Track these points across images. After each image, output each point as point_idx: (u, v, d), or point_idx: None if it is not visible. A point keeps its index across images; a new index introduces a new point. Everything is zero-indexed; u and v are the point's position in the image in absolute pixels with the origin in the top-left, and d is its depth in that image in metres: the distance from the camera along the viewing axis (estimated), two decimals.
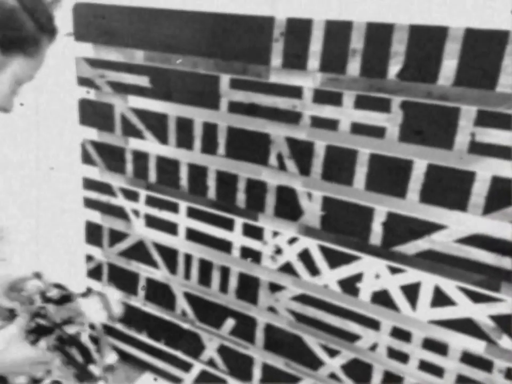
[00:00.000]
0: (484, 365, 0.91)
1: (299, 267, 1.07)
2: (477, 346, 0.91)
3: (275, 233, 1.08)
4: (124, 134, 1.22)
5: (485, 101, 0.79)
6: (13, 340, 0.70)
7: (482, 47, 0.77)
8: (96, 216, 1.35)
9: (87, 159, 1.30)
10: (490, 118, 0.79)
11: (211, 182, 1.13)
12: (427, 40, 0.81)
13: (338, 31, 0.88)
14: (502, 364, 0.89)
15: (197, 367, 1.32)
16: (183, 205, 1.19)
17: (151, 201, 1.24)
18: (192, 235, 1.20)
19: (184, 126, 1.12)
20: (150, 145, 1.19)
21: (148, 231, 1.27)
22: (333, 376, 1.10)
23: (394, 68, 0.85)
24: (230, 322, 1.22)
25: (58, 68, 1.25)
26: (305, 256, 1.05)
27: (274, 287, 1.12)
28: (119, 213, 1.30)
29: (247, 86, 1.01)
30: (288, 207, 1.04)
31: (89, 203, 1.35)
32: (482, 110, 0.79)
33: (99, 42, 1.18)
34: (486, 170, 0.81)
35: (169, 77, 1.10)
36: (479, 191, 0.83)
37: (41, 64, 0.70)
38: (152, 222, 1.26)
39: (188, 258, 1.23)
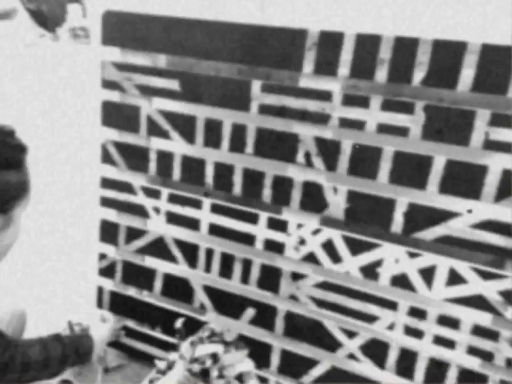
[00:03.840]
0: (492, 335, 1.01)
1: (321, 256, 1.13)
2: (485, 319, 1.01)
3: (299, 225, 1.14)
4: (148, 135, 1.24)
5: (497, 104, 0.90)
6: None
7: (495, 59, 0.89)
8: (112, 214, 1.35)
9: (107, 159, 1.31)
10: (502, 119, 0.90)
11: (237, 179, 1.18)
12: (448, 52, 0.91)
13: (368, 43, 0.97)
14: (507, 333, 1.00)
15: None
16: (206, 202, 1.23)
17: (173, 199, 1.26)
18: (215, 230, 1.24)
19: (213, 127, 1.16)
20: (176, 145, 1.22)
21: (168, 228, 1.29)
22: (351, 356, 1.16)
23: (418, 75, 0.95)
24: (249, 312, 1.25)
25: (82, 71, 1.25)
26: (328, 246, 1.12)
27: (296, 276, 1.18)
28: (138, 210, 1.31)
29: (279, 90, 1.07)
30: (314, 200, 1.11)
31: (106, 202, 1.34)
32: (495, 112, 0.91)
33: (127, 48, 1.20)
34: (497, 164, 0.92)
35: (200, 81, 1.15)
36: (491, 182, 0.93)
37: None
38: (173, 218, 1.28)
39: (209, 252, 1.26)
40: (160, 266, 1.33)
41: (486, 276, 0.99)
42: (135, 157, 1.28)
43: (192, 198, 1.24)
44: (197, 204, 1.24)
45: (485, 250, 0.97)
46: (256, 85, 1.10)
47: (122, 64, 1.22)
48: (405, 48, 0.94)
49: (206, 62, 1.13)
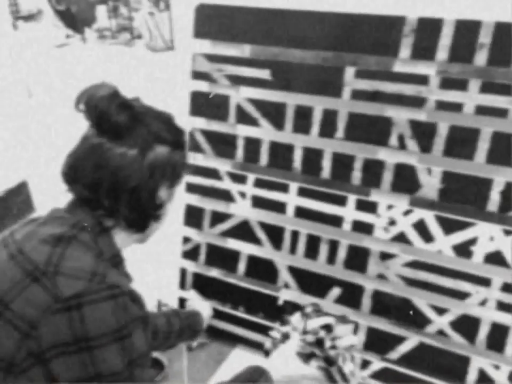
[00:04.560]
0: None
1: (413, 236, 1.16)
2: None
3: (389, 207, 1.17)
4: (237, 122, 1.28)
5: None
6: (290, 358, 0.83)
7: None
8: (197, 200, 1.40)
9: (194, 146, 1.35)
10: None
11: (326, 163, 1.21)
12: None
13: (467, 29, 0.99)
14: None
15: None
16: (293, 186, 1.27)
17: (260, 183, 1.30)
18: (301, 213, 1.28)
19: (303, 113, 1.20)
20: (264, 132, 1.26)
21: (253, 211, 1.33)
22: (440, 332, 1.19)
23: None
24: (335, 292, 1.29)
25: (173, 63, 1.30)
26: (420, 226, 1.15)
27: (385, 256, 1.21)
28: (223, 195, 1.36)
29: (373, 76, 1.10)
30: (406, 182, 1.14)
31: (191, 188, 1.39)
32: None
33: (219, 39, 1.24)
34: None
35: (292, 69, 1.18)
36: None
37: None
38: (259, 202, 1.32)
39: (295, 234, 1.30)
40: (244, 248, 1.38)
41: None
42: (222, 144, 1.32)
43: (278, 182, 1.28)
44: (283, 188, 1.28)
45: None
46: (349, 71, 1.13)
47: (213, 55, 1.26)
48: (505, 33, 0.96)
49: (298, 51, 1.17)
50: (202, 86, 1.30)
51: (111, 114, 0.64)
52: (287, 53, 1.18)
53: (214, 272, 1.44)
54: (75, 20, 1.56)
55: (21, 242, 0.64)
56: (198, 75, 1.29)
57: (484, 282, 1.12)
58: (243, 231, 1.37)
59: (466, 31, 0.99)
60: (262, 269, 1.38)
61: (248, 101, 1.25)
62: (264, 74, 1.22)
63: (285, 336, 0.92)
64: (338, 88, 1.15)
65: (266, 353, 0.95)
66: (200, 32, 1.26)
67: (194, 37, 1.26)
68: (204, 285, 1.47)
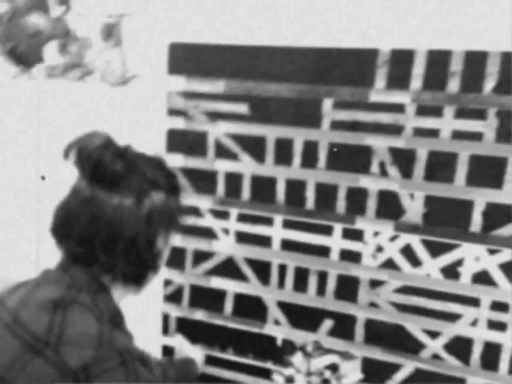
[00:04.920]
0: None
1: (400, 261, 1.16)
2: None
3: (375, 233, 1.17)
4: (216, 158, 1.26)
5: None
6: None
7: None
8: (178, 239, 1.35)
9: None
10: None
11: (310, 193, 1.20)
12: None
13: (439, 58, 1.03)
14: None
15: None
16: (278, 218, 1.25)
17: (243, 218, 1.27)
18: (288, 245, 1.25)
19: (284, 145, 1.20)
20: (245, 166, 1.24)
21: (238, 247, 1.30)
22: (435, 356, 1.18)
23: (489, 85, 1.01)
24: (327, 324, 1.26)
25: (147, 101, 1.27)
26: (407, 251, 1.15)
27: (375, 283, 1.20)
28: (205, 233, 1.32)
29: (351, 106, 1.12)
30: (389, 208, 1.14)
31: None
32: None
33: (193, 76, 1.23)
34: None
35: (270, 103, 1.18)
36: None
37: None
38: (243, 237, 1.29)
39: (282, 268, 1.27)
40: (230, 286, 1.33)
41: None
42: (202, 181, 1.29)
43: (262, 216, 1.26)
44: (268, 221, 1.26)
45: None
46: (327, 103, 1.14)
47: (188, 92, 1.25)
48: (475, 60, 1.01)
49: (273, 85, 1.17)
50: (179, 123, 1.28)
51: (107, 164, 0.61)
52: (262, 87, 1.19)
53: (199, 315, 1.38)
54: (22, 59, 1.50)
55: (16, 310, 0.57)
56: (174, 112, 1.27)
57: (473, 302, 1.13)
58: (228, 268, 1.32)
59: (438, 60, 1.04)
60: (250, 307, 1.33)
61: (227, 136, 1.24)
62: (242, 108, 1.21)
63: (289, 380, 0.87)
64: (317, 119, 1.16)
65: None
66: (173, 69, 1.24)
67: (168, 74, 1.25)
68: (188, 329, 1.40)
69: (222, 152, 1.25)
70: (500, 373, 1.13)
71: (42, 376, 0.51)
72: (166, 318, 1.42)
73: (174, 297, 1.39)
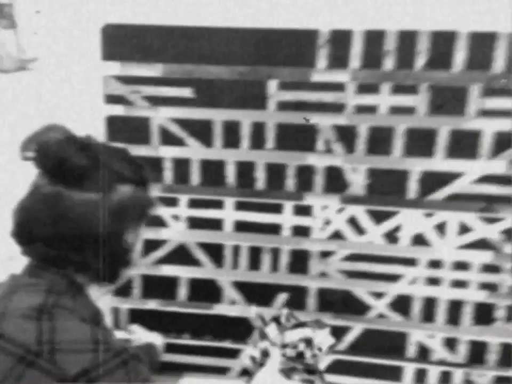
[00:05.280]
0: (495, 269, 1.20)
1: (347, 231, 1.23)
2: (489, 257, 1.20)
3: (323, 207, 1.22)
4: (162, 144, 1.22)
5: (485, 79, 1.09)
6: (275, 380, 0.81)
7: (481, 43, 1.06)
8: None
9: None
10: (491, 91, 1.09)
11: (260, 174, 1.22)
12: (443, 39, 1.07)
13: (374, 38, 1.09)
14: (507, 265, 1.20)
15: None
16: (229, 201, 1.25)
17: (193, 204, 1.26)
18: (240, 226, 1.26)
19: (231, 128, 1.19)
20: (193, 151, 1.22)
21: (190, 233, 1.28)
22: (381, 315, 1.28)
23: (420, 62, 1.09)
24: (281, 298, 1.30)
25: (83, 87, 1.19)
26: (352, 221, 1.22)
27: (325, 254, 1.26)
28: (155, 221, 1.28)
29: (294, 87, 1.15)
30: (336, 182, 1.20)
31: None
32: (487, 86, 1.09)
33: (132, 60, 1.17)
34: (491, 127, 1.11)
35: (214, 86, 1.17)
36: (486, 141, 1.12)
37: None
38: (194, 223, 1.27)
39: (236, 249, 1.28)
40: (183, 272, 1.32)
41: (487, 221, 1.17)
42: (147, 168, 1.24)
43: (213, 199, 1.25)
44: (219, 204, 1.25)
45: (485, 200, 1.16)
46: (272, 84, 1.15)
47: (127, 77, 1.18)
48: (407, 39, 1.08)
49: (216, 67, 1.16)
50: (118, 109, 1.21)
51: (71, 160, 0.57)
52: (202, 70, 1.17)
53: (152, 304, 1.35)
54: None
55: None
56: (112, 98, 1.20)
57: (412, 262, 1.23)
58: (180, 255, 1.30)
59: (374, 40, 1.09)
60: (205, 291, 1.32)
61: (172, 121, 1.20)
62: (186, 92, 1.18)
63: (265, 353, 0.89)
64: (263, 101, 1.17)
65: (246, 372, 0.92)
66: (109, 53, 1.17)
67: (103, 60, 1.17)
68: (141, 320, 1.36)
69: (167, 138, 1.22)
70: (437, 324, 1.26)
71: None
72: (116, 312, 1.36)
73: (123, 290, 1.34)
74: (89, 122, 1.22)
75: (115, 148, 0.66)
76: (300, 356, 0.88)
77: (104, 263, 0.61)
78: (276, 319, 0.94)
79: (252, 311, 1.15)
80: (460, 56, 1.08)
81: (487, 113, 1.10)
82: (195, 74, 1.17)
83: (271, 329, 0.92)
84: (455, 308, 1.25)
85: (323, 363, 0.93)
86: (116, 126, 1.22)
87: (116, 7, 1.13)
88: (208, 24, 1.13)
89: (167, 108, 1.19)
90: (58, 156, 0.56)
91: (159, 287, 1.33)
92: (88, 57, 1.12)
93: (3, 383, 0.48)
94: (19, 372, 0.48)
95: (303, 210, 1.23)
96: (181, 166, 1.23)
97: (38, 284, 0.57)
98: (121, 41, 1.16)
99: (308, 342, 0.88)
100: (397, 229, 1.22)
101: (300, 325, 0.92)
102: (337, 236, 1.24)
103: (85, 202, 0.58)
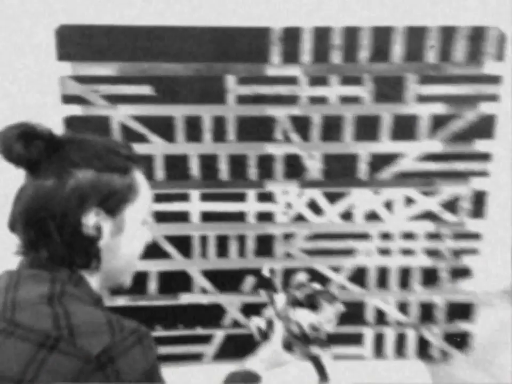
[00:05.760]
0: (438, 237, 1.35)
1: (307, 213, 1.32)
2: (433, 226, 1.34)
3: (284, 193, 1.30)
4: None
5: (421, 70, 1.21)
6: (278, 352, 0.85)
7: (415, 36, 1.19)
8: None
9: None
10: (427, 79, 1.22)
11: (223, 166, 1.27)
12: (383, 34, 1.18)
13: (322, 34, 1.18)
14: (448, 232, 1.35)
15: (219, 335, 1.41)
16: (194, 193, 1.29)
17: (159, 198, 1.28)
18: (207, 217, 1.31)
19: (193, 123, 1.23)
20: (155, 147, 1.24)
21: (157, 227, 1.30)
22: (341, 287, 1.39)
23: (363, 55, 1.20)
24: (249, 281, 1.37)
25: (41, 88, 1.16)
26: (311, 204, 1.31)
27: (288, 236, 1.34)
28: None
29: (252, 81, 1.20)
30: (294, 169, 1.28)
31: None
32: (422, 74, 1.21)
33: (88, 60, 1.17)
34: (426, 110, 1.24)
35: (174, 83, 1.20)
36: (423, 123, 1.25)
37: None
38: (161, 217, 1.30)
39: (204, 239, 1.33)
40: (152, 266, 1.34)
41: (428, 194, 1.32)
42: None
43: (179, 193, 1.28)
44: (185, 197, 1.29)
45: (426, 176, 1.30)
46: (230, 79, 1.20)
47: (84, 77, 1.18)
48: (352, 34, 1.18)
49: (172, 65, 1.19)
50: (76, 109, 1.20)
51: (17, 150, 0.59)
52: (158, 68, 1.19)
53: (121, 301, 1.36)
54: None
55: (5, 314, 0.53)
56: (70, 98, 1.19)
57: (366, 237, 1.35)
58: (149, 249, 1.31)
59: (322, 36, 1.18)
60: (175, 282, 1.36)
61: (133, 119, 1.22)
62: (146, 90, 1.20)
63: (270, 323, 0.89)
64: (222, 96, 1.21)
65: (254, 343, 0.91)
66: (64, 53, 1.15)
67: (58, 59, 1.16)
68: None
69: (129, 135, 1.23)
70: (391, 290, 1.39)
71: (65, 369, 0.50)
72: None
73: None
74: (48, 123, 1.19)
75: (79, 137, 0.66)
76: (304, 336, 0.88)
77: (70, 246, 0.62)
78: (286, 285, 0.92)
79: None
80: (397, 49, 1.20)
81: (422, 99, 1.23)
82: (151, 72, 1.19)
83: (279, 299, 0.90)
84: (405, 274, 1.39)
85: (330, 327, 0.91)
86: (74, 126, 1.21)
87: (70, 7, 1.11)
88: (163, 23, 1.15)
89: (127, 105, 1.20)
90: (7, 147, 0.58)
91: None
92: (44, 59, 1.10)
93: (27, 370, 0.50)
94: (42, 357, 0.50)
95: (266, 197, 1.30)
96: (145, 162, 1.25)
97: (41, 274, 0.58)
98: (76, 42, 1.15)
99: (314, 328, 0.88)
100: (350, 207, 1.32)
101: (311, 297, 0.90)
102: (298, 218, 1.32)
103: (40, 187, 0.60)
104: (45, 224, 0.59)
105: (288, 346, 0.85)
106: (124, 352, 0.52)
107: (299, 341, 0.86)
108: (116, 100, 1.20)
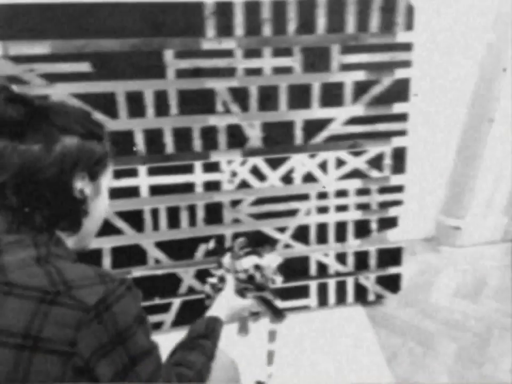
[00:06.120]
0: (367, 192, 1.51)
1: (251, 180, 1.40)
2: (361, 183, 1.49)
3: (229, 162, 1.37)
4: None
5: (343, 41, 1.33)
6: (230, 299, 0.94)
7: (337, 9, 1.30)
8: None
9: None
10: (348, 49, 1.34)
11: (168, 139, 1.31)
12: (308, 7, 1.28)
13: (252, 8, 1.25)
14: (374, 186, 1.51)
15: (176, 302, 1.47)
16: (142, 168, 1.32)
17: None
18: (156, 190, 1.34)
19: (135, 98, 1.25)
20: None
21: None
22: (286, 246, 1.50)
23: (291, 27, 1.29)
24: (202, 248, 1.43)
25: None
26: (254, 170, 1.40)
27: (235, 203, 1.42)
28: None
29: (189, 55, 1.25)
30: (237, 139, 1.35)
31: None
32: (343, 45, 1.33)
33: (21, 39, 1.14)
34: (349, 78, 1.37)
35: (113, 59, 1.21)
36: (347, 90, 1.38)
37: None
38: (111, 193, 1.31)
39: (155, 212, 1.36)
40: (105, 243, 1.35)
41: (356, 154, 1.46)
42: None
43: (126, 168, 1.30)
44: (133, 173, 1.31)
45: (353, 138, 1.43)
46: (168, 54, 1.24)
47: (19, 56, 1.15)
48: (279, 8, 1.27)
49: (107, 41, 1.20)
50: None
51: (9, 113, 0.60)
52: (93, 44, 1.19)
53: None
54: None
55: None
56: (6, 79, 1.15)
57: (305, 197, 1.47)
58: (101, 227, 1.33)
59: (252, 10, 1.25)
60: (129, 256, 1.38)
61: (73, 96, 1.21)
62: (84, 67, 1.20)
63: (221, 279, 1.00)
64: (162, 70, 1.25)
65: (208, 297, 1.01)
66: None
67: None
68: None
69: None
70: (329, 244, 1.53)
71: (67, 320, 0.53)
72: None
73: None
74: None
75: (70, 106, 0.68)
76: (251, 278, 1.01)
77: (56, 210, 0.65)
78: (230, 249, 1.04)
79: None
80: (321, 21, 1.30)
81: (345, 67, 1.36)
82: (87, 49, 1.19)
83: (226, 259, 1.02)
84: (341, 228, 1.53)
85: (277, 279, 1.05)
86: None
87: None
88: (97, 0, 1.16)
89: (65, 83, 1.20)
90: None
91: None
92: None
93: (31, 324, 0.53)
94: (44, 311, 0.53)
95: (212, 167, 1.36)
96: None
97: (22, 239, 0.60)
98: (8, 21, 1.12)
99: (257, 266, 1.01)
100: (290, 171, 1.43)
101: (251, 252, 1.03)
102: (243, 185, 1.41)
103: (26, 152, 0.61)
104: (37, 188, 0.60)
105: (240, 293, 0.96)
106: (117, 300, 0.57)
107: (248, 284, 0.98)
108: (53, 78, 1.18)
